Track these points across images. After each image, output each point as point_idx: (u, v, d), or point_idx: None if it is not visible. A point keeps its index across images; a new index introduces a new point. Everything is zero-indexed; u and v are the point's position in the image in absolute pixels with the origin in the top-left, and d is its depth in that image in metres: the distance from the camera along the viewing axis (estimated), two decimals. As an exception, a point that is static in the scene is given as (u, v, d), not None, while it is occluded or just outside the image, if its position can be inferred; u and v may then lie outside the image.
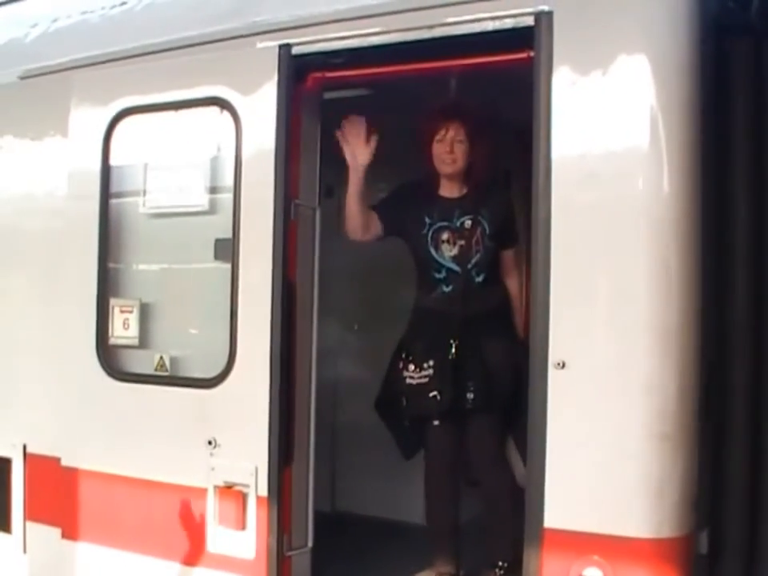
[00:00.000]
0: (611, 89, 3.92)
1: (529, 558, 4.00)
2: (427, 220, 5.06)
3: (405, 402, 5.03)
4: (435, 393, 4.89)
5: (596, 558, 3.85)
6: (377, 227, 5.12)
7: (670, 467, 3.82)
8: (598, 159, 3.92)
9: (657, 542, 3.80)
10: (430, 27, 4.33)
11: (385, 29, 4.44)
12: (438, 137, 5.03)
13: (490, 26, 4.20)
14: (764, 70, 4.01)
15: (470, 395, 4.88)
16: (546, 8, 4.04)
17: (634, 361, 3.84)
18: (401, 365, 5.04)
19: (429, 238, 5.03)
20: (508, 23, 4.16)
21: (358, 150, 4.90)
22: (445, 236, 5.01)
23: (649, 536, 3.80)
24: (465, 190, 5.11)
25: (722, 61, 4.00)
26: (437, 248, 5.03)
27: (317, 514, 4.91)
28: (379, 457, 6.41)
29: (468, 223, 5.00)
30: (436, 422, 5.04)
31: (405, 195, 5.18)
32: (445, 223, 5.03)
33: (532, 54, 4.08)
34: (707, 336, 3.93)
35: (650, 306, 3.84)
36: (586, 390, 3.91)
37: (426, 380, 4.92)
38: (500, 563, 5.03)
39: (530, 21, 4.08)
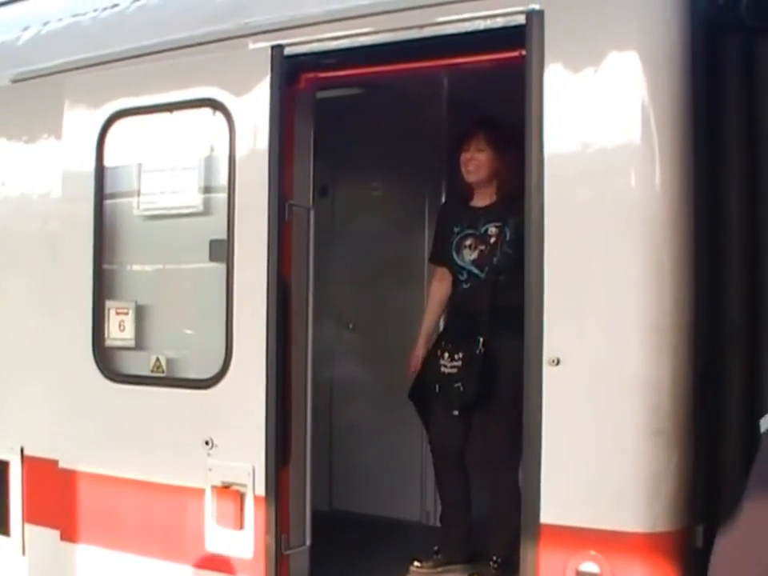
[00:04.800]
0: (603, 86, 3.93)
1: (526, 554, 4.01)
2: (456, 229, 5.25)
3: (437, 389, 5.16)
4: (459, 384, 5.03)
5: (592, 552, 3.87)
6: (446, 274, 5.36)
7: (665, 462, 3.84)
8: (591, 157, 3.94)
9: (652, 537, 3.82)
10: (421, 27, 4.34)
11: (376, 29, 4.45)
12: (464, 146, 5.20)
13: (481, 25, 4.21)
14: (754, 66, 4.01)
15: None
16: (537, 6, 4.05)
17: (629, 357, 3.85)
18: (438, 352, 5.20)
19: (453, 245, 5.24)
20: (499, 22, 4.18)
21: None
22: (468, 242, 5.20)
23: (644, 530, 3.81)
24: (494, 199, 5.24)
25: (713, 58, 4.01)
26: (458, 252, 5.22)
27: (315, 512, 4.91)
28: (377, 456, 6.44)
29: (492, 230, 5.14)
30: (455, 413, 5.13)
31: (441, 225, 5.42)
32: (471, 231, 5.21)
33: (524, 52, 4.09)
34: (701, 332, 3.94)
35: (644, 302, 3.85)
36: (580, 386, 3.93)
37: (455, 370, 5.06)
38: (494, 557, 5.11)
39: (521, 19, 4.09)
